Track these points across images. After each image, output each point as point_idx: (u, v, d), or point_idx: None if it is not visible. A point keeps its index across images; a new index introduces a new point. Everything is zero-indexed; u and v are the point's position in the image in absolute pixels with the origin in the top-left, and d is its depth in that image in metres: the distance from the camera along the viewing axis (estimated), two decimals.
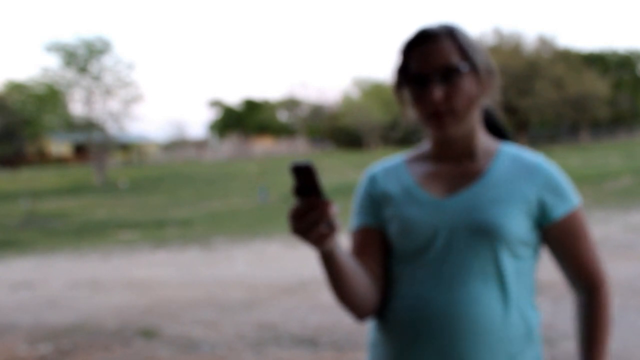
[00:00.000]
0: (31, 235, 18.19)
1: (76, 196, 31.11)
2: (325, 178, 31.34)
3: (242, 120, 76.11)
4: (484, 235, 1.76)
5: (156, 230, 17.66)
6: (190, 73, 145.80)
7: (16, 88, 53.82)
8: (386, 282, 1.88)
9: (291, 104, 75.73)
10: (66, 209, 25.35)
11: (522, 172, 1.84)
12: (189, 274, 10.77)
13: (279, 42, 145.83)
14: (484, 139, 1.90)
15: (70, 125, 47.26)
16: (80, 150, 65.63)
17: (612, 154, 37.22)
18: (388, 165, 1.98)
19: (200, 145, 74.42)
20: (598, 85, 55.59)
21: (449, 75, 1.76)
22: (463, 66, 1.77)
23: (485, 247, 1.76)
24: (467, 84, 1.78)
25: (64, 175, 45.74)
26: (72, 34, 69.30)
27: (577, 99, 54.61)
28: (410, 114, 1.87)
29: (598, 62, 63.69)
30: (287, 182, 30.55)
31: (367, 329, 1.96)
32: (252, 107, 77.44)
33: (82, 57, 44.14)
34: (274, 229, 16.09)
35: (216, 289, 9.36)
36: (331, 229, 1.47)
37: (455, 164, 1.87)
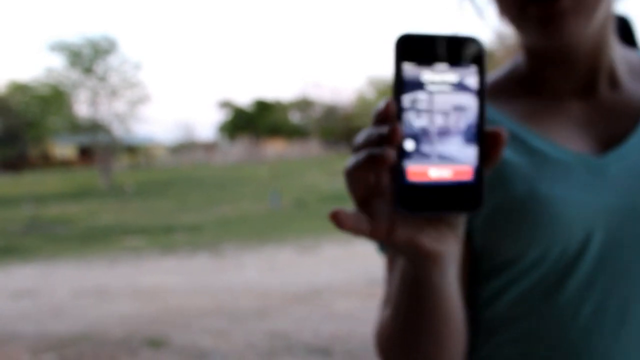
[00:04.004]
0: (34, 241, 18.13)
1: (81, 200, 31.17)
2: (340, 182, 31.38)
3: (253, 122, 76.48)
4: None
5: (164, 236, 17.63)
6: (199, 73, 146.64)
7: (19, 89, 54.21)
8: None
9: (304, 104, 75.98)
10: (71, 213, 25.38)
11: None
12: (198, 282, 10.66)
13: (291, 41, 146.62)
14: (622, 53, 1.15)
15: (75, 127, 47.48)
16: (85, 153, 65.92)
17: None
18: None
19: (209, 147, 74.70)
20: None
21: None
22: None
23: None
24: None
25: (68, 179, 45.93)
26: (77, 33, 69.66)
27: None
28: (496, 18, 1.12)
29: None
30: (300, 186, 30.60)
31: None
32: (263, 108, 77.85)
33: (87, 57, 44.25)
34: (286, 234, 16.04)
35: (226, 297, 9.26)
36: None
37: (584, 94, 1.12)
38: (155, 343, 7.07)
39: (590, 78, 1.10)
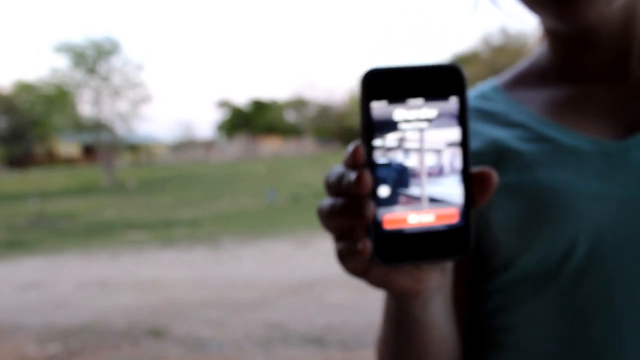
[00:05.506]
0: (40, 236, 18.12)
1: (85, 197, 30.98)
2: None
3: (250, 121, 76.03)
4: None
5: (165, 231, 17.57)
6: (199, 73, 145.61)
7: (25, 88, 53.77)
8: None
9: (299, 104, 75.51)
10: (75, 209, 25.24)
11: None
12: (198, 274, 10.72)
13: (286, 42, 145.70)
14: None
15: (79, 126, 47.10)
16: (89, 151, 65.64)
17: None
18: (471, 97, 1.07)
19: (208, 145, 74.45)
20: None
21: None
22: None
23: None
24: None
25: (72, 176, 45.65)
26: (81, 34, 69.28)
27: None
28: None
29: None
30: (295, 182, 30.44)
31: (377, 328, 1.81)
32: (259, 107, 77.38)
33: (91, 58, 44.04)
34: (281, 229, 16.03)
35: (224, 289, 9.33)
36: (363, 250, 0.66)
37: (615, 78, 0.99)
38: (156, 333, 7.16)
39: (620, 60, 0.99)
